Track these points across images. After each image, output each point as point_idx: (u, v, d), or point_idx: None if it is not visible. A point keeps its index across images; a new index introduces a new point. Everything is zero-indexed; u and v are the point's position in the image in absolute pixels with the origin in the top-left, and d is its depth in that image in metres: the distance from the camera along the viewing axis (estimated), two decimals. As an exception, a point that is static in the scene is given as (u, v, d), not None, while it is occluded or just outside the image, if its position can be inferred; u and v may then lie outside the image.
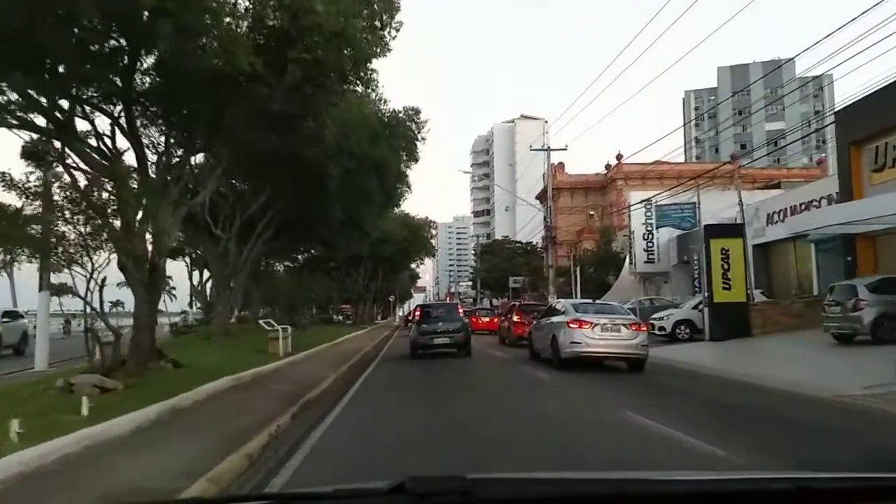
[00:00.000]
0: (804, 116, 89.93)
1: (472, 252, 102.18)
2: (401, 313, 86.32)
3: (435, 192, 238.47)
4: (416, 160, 19.71)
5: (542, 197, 65.40)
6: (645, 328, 13.19)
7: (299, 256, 48.99)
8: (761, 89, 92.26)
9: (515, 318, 22.24)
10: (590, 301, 15.92)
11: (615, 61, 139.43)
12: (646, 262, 34.46)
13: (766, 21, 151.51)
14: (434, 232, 45.73)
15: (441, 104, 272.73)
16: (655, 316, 21.73)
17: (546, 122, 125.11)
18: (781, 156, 73.28)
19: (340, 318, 59.62)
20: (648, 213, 34.52)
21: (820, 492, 1.51)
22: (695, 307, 20.88)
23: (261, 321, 16.61)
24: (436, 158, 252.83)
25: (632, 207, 33.92)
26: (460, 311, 19.39)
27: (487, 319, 34.63)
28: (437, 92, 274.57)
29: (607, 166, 56.27)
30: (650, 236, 34.47)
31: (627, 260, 37.55)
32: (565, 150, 30.78)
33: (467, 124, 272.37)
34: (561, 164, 58.20)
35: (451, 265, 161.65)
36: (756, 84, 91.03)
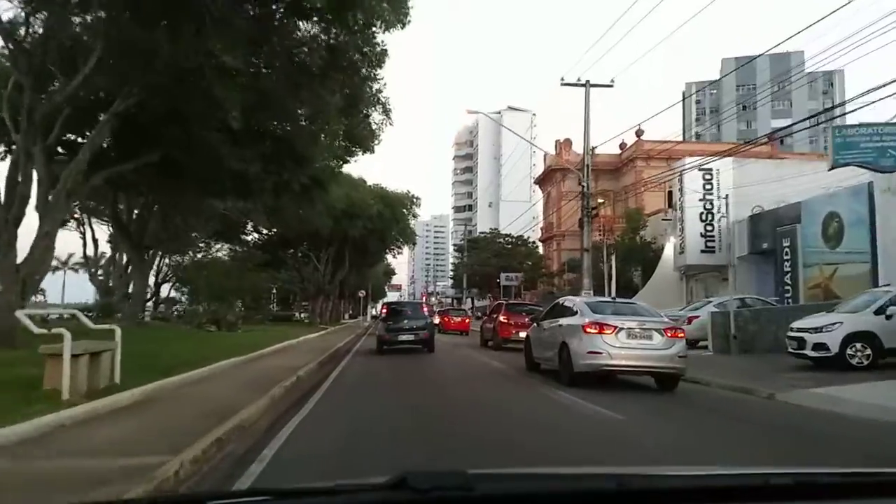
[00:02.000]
0: (812, 114, 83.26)
1: (453, 247, 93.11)
2: (373, 312, 76.94)
3: (412, 188, 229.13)
4: (404, 23, 10.36)
5: (541, 182, 56.71)
6: (683, 334, 10.49)
7: (248, 238, 39.77)
8: (767, 84, 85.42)
9: (503, 319, 20.01)
10: (608, 299, 13.38)
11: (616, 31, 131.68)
12: (703, 251, 25.72)
13: (779, 16, 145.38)
14: (417, 211, 36.64)
15: (422, 93, 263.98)
16: (802, 325, 12.89)
17: (534, 114, 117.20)
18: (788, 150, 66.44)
19: (302, 315, 50.40)
20: (708, 187, 25.80)
21: (818, 486, 1.50)
22: (879, 311, 12.08)
23: (19, 313, 7.19)
24: (413, 152, 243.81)
25: (684, 171, 25.12)
26: (425, 309, 20.24)
27: (459, 320, 33.78)
28: (419, 80, 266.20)
29: (622, 146, 47.64)
30: (710, 217, 25.72)
31: (672, 250, 28.80)
32: (611, 86, 21.90)
33: (449, 116, 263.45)
34: (567, 142, 49.47)
35: (427, 263, 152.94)
36: (762, 78, 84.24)
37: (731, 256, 17.28)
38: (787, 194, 23.85)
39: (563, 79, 21.87)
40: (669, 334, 10.01)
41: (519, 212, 58.19)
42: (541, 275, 47.80)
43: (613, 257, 26.71)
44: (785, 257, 21.54)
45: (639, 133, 45.15)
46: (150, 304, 43.23)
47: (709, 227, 25.57)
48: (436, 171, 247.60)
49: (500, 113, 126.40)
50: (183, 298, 51.65)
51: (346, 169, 23.60)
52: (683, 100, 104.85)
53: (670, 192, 43.10)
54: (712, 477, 1.67)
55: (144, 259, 15.93)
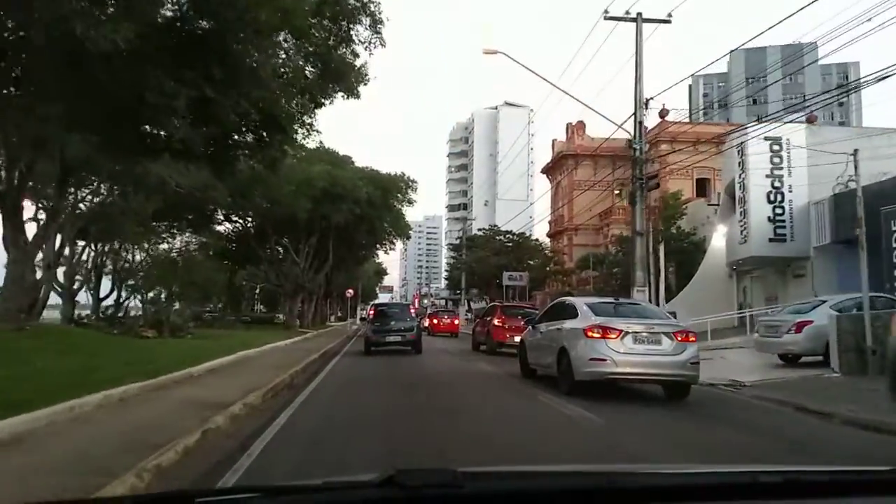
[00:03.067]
0: (827, 108, 79.15)
1: (448, 246, 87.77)
2: (362, 314, 71.66)
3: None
4: None
5: (549, 171, 51.77)
6: (694, 338, 9.43)
7: (220, 228, 34.46)
8: (778, 76, 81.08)
9: (497, 322, 19.13)
10: (611, 300, 11.76)
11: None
12: (771, 239, 20.76)
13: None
14: (414, 197, 31.39)
15: (414, 91, 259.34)
16: None
17: (532, 110, 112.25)
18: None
19: (282, 317, 45.10)
20: (776, 160, 20.85)
21: (806, 484, 1.51)
22: None
23: None
24: (406, 151, 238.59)
25: (747, 140, 20.21)
26: (412, 311, 20.67)
27: (448, 321, 33.08)
28: (412, 77, 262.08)
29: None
30: (779, 198, 20.79)
31: (722, 241, 23.87)
32: (668, 22, 16.96)
33: (443, 114, 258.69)
34: (580, 124, 44.49)
35: (420, 265, 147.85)
36: (773, 70, 79.92)
37: (861, 235, 12.32)
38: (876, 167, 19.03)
39: (607, 11, 16.88)
40: (680, 338, 9.19)
41: (516, 210, 53.26)
42: (554, 273, 42.65)
43: (662, 247, 21.64)
44: (895, 245, 16.62)
45: (663, 114, 40.28)
46: (109, 304, 37.87)
47: (778, 210, 20.61)
48: (428, 171, 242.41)
49: (496, 108, 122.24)
50: (162, 297, 46.10)
51: (326, 142, 18.64)
52: (690, 93, 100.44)
53: (700, 179, 38.20)
54: (701, 475, 1.67)
55: (23, 234, 10.90)
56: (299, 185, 23.43)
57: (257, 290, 62.60)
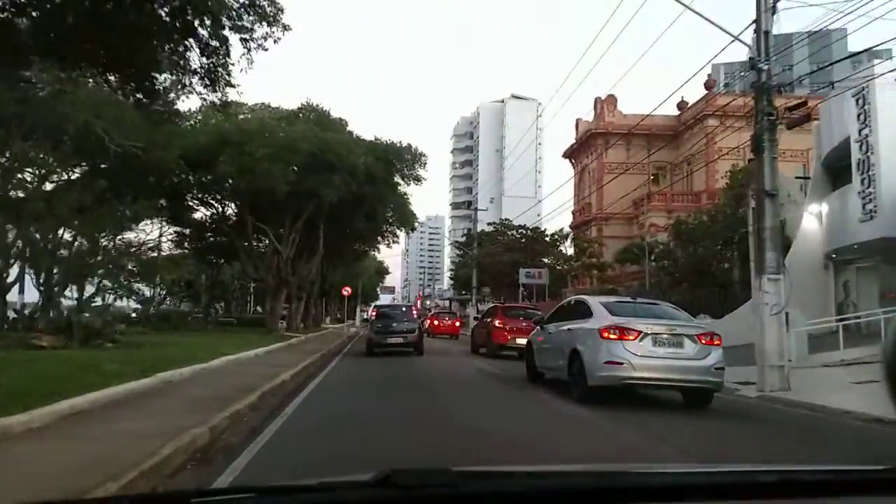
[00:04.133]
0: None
1: (456, 244, 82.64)
2: (364, 315, 66.67)
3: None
4: None
5: (570, 155, 46.52)
6: (719, 341, 8.71)
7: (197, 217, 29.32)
8: (806, 64, 75.58)
9: (497, 323, 18.28)
10: (628, 299, 11.37)
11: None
12: (909, 215, 15.49)
13: None
14: (423, 174, 25.95)
15: (418, 86, 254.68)
16: None
17: (539, 103, 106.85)
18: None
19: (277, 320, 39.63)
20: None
21: (803, 484, 1.49)
22: None
23: None
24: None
25: (874, 87, 15.03)
26: (414, 313, 20.65)
27: (449, 322, 33.50)
28: (415, 72, 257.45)
29: (681, 105, 37.49)
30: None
31: (816, 223, 18.66)
32: None
33: (446, 109, 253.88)
34: (611, 98, 39.20)
35: (422, 266, 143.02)
36: (798, 57, 74.41)
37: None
38: None
39: None
40: (704, 341, 8.50)
41: (523, 207, 48.35)
42: (587, 267, 37.19)
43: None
44: None
45: (709, 86, 35.20)
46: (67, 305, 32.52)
47: (918, 176, 15.38)
48: (431, 170, 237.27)
49: (503, 102, 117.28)
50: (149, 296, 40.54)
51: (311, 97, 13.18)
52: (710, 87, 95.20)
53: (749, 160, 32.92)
54: (698, 474, 1.66)
55: None
56: (277, 150, 18.32)
57: (251, 288, 57.50)
